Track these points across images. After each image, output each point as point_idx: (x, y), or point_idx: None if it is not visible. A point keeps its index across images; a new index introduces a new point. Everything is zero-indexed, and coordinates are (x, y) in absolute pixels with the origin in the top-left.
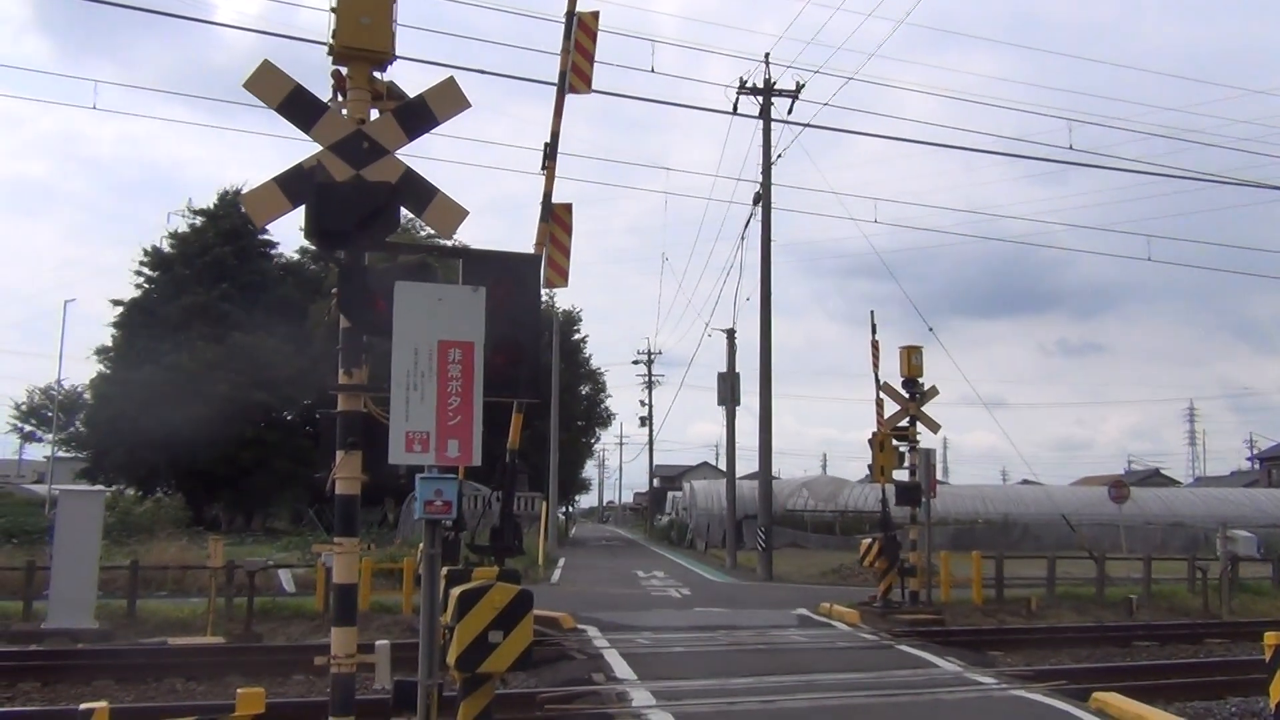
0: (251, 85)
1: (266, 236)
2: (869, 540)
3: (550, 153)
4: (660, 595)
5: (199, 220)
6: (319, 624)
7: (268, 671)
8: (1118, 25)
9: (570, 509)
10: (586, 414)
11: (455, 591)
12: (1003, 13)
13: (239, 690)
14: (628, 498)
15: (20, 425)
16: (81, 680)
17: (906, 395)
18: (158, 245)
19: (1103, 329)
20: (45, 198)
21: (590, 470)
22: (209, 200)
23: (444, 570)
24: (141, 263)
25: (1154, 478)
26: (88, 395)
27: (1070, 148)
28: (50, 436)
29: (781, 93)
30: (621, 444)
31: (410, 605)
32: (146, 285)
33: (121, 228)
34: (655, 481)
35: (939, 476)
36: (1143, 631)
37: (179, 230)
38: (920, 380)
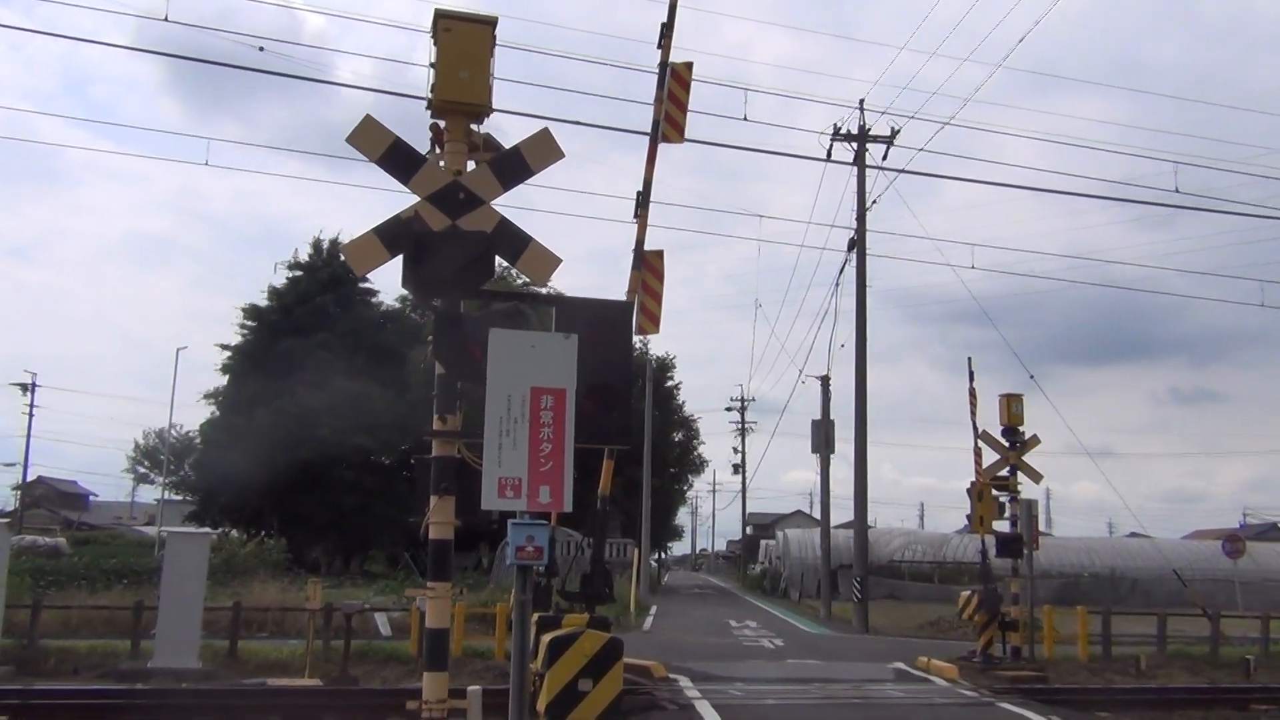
0: (354, 139)
1: (367, 285)
2: (968, 593)
3: (643, 201)
4: (753, 645)
5: (298, 274)
6: (413, 667)
7: (363, 714)
8: (1228, 70)
9: (663, 556)
10: (679, 461)
11: (546, 638)
12: (1105, 57)
13: None
14: (721, 545)
15: (136, 467)
16: (185, 719)
17: (1006, 444)
18: (256, 303)
19: (1218, 377)
20: (165, 251)
21: (683, 517)
22: (309, 252)
23: (535, 616)
24: (245, 312)
25: (1271, 532)
26: (198, 440)
27: (1176, 190)
28: (162, 479)
29: (876, 139)
30: (714, 491)
31: (503, 651)
32: (249, 335)
33: (235, 279)
34: (748, 529)
35: (1042, 528)
36: (1261, 694)
37: (277, 286)
38: (1021, 429)
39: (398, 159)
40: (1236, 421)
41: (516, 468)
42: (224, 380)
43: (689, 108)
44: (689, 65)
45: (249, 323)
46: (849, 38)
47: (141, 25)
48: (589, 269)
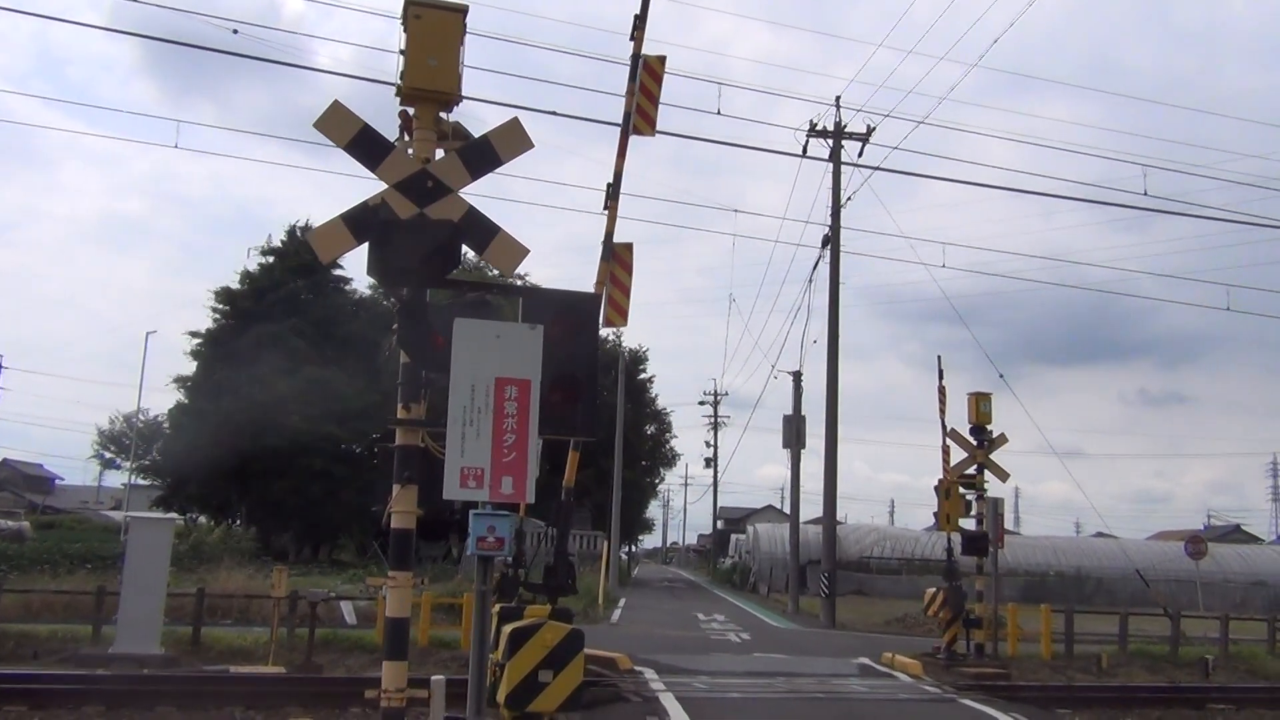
0: (321, 125)
1: (340, 272)
2: (933, 590)
3: (612, 193)
4: (720, 639)
5: (270, 260)
6: (378, 656)
7: (325, 703)
8: (1198, 76)
9: (633, 549)
10: (651, 454)
11: (507, 629)
12: (1080, 59)
13: None
14: (691, 539)
15: (102, 452)
16: (144, 706)
17: (974, 442)
18: (229, 285)
19: (1187, 379)
20: (137, 234)
21: (654, 510)
22: (283, 238)
23: (497, 607)
24: (216, 295)
25: (1234, 534)
26: (166, 425)
27: (1145, 194)
28: (129, 464)
29: (852, 136)
30: (686, 485)
31: (469, 641)
32: (221, 320)
33: (208, 263)
34: (719, 524)
35: (1010, 526)
36: (1219, 694)
37: (250, 270)
38: (989, 428)
39: (365, 145)
40: (1202, 424)
41: (479, 458)
42: (193, 365)
43: (660, 101)
44: (661, 58)
45: (221, 306)
46: (827, 34)
47: (117, 6)
48: (564, 259)
